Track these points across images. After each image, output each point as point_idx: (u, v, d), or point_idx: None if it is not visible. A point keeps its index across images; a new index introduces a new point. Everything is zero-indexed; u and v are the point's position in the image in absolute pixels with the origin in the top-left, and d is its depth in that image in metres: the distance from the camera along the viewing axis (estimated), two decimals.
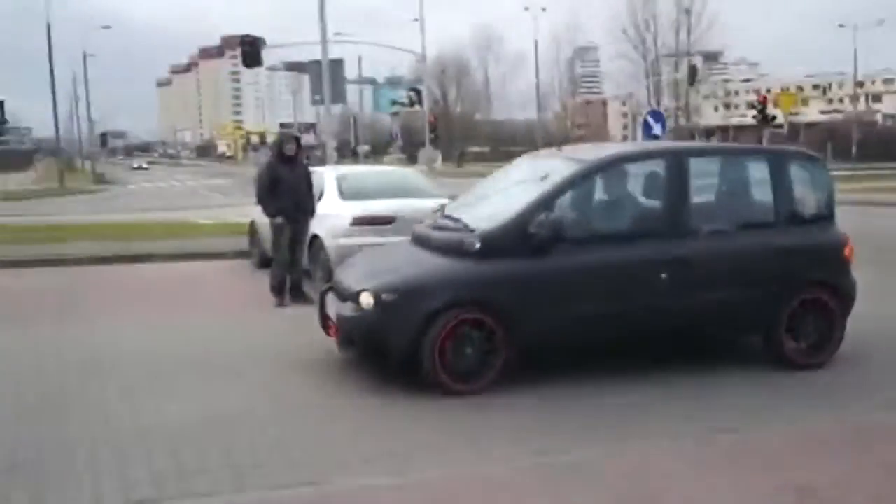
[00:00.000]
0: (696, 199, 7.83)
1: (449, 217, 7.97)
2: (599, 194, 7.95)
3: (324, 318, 7.86)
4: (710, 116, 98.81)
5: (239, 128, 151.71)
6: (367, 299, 7.08)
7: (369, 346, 7.25)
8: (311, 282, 11.70)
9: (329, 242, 11.50)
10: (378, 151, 74.50)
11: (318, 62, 20.96)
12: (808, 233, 7.95)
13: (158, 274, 14.53)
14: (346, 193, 12.21)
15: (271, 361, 8.08)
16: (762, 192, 8.09)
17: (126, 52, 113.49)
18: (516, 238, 7.10)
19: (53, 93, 57.20)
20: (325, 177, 12.64)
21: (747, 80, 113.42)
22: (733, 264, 7.65)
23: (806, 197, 8.16)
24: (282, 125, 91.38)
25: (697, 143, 10.86)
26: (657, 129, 23.18)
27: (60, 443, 5.95)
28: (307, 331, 8.49)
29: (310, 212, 11.29)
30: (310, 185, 11.31)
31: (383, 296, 7.04)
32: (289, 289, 11.18)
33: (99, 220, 24.07)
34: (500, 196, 8.16)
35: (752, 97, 64.31)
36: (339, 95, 21.90)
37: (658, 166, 7.84)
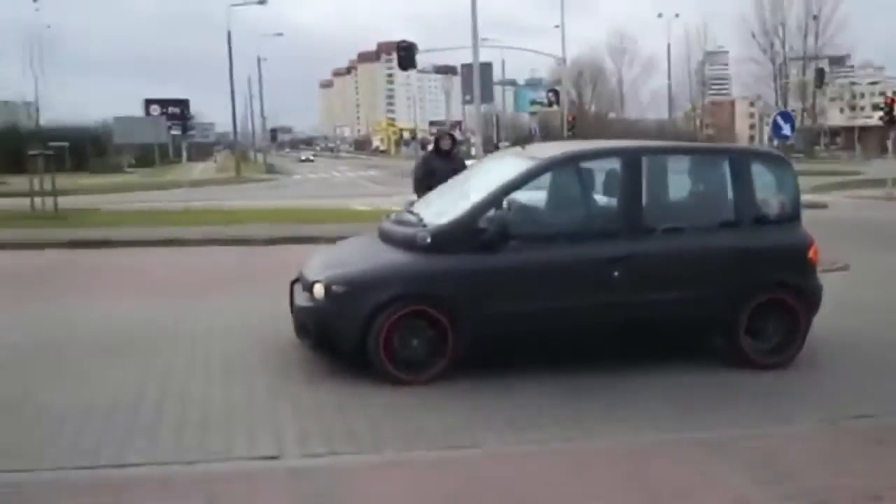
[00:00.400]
0: (651, 197, 7.36)
1: (411, 212, 7.74)
2: (552, 192, 7.61)
3: (292, 307, 7.52)
4: (836, 118, 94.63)
5: (392, 124, 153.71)
6: (318, 290, 6.90)
7: (321, 335, 6.97)
8: None
9: None
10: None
11: (469, 65, 21.14)
12: (770, 233, 7.46)
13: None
14: None
15: None
16: (722, 192, 7.64)
17: (294, 56, 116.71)
18: (466, 234, 6.85)
19: (232, 93, 59.39)
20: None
21: (874, 83, 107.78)
22: (688, 263, 7.21)
23: (769, 197, 7.66)
24: (431, 122, 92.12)
25: (655, 143, 10.16)
26: (786, 130, 22.31)
27: None
28: None
29: None
30: None
31: (333, 287, 6.85)
32: None
33: (270, 206, 24.81)
34: (459, 193, 7.77)
35: (878, 100, 61.26)
36: (487, 96, 21.99)
37: (612, 165, 7.45)
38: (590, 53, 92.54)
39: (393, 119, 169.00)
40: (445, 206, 7.45)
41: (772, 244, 7.40)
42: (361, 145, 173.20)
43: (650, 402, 6.41)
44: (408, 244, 7.06)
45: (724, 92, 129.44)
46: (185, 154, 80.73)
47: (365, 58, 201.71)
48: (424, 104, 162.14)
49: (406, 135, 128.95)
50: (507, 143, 53.73)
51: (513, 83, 78.61)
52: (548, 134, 58.79)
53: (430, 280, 6.83)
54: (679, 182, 7.77)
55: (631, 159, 7.33)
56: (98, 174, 51.91)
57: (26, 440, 5.41)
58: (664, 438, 5.67)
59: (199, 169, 66.01)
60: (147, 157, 70.85)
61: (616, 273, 6.92)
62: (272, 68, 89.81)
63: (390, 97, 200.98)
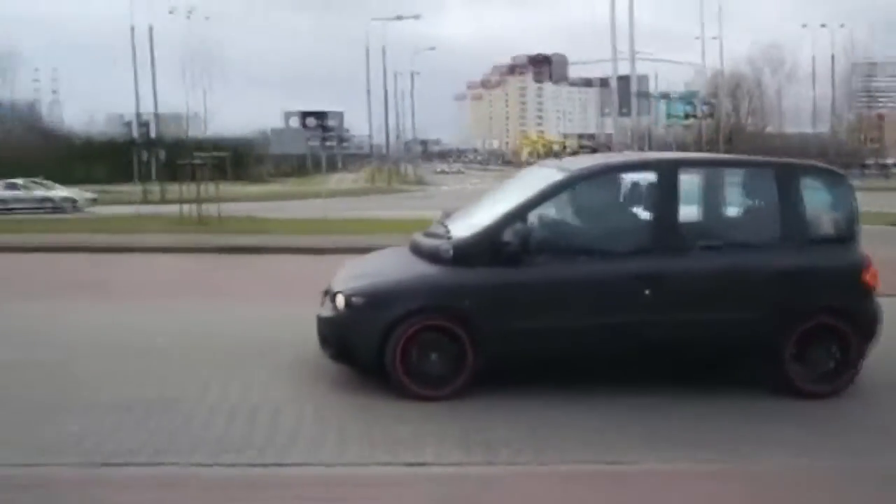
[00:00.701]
0: (689, 212, 7.03)
1: (442, 224, 7.42)
2: (582, 205, 7.27)
3: None
4: None
5: (540, 136, 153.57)
6: (340, 301, 6.79)
7: (340, 346, 6.84)
8: None
9: None
10: None
11: (624, 78, 20.74)
12: (820, 254, 6.91)
13: None
14: None
15: None
16: (766, 208, 7.15)
17: (444, 69, 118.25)
18: (489, 247, 6.63)
19: (385, 106, 60.87)
20: None
21: None
22: (727, 283, 6.75)
23: (820, 215, 7.14)
24: (580, 135, 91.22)
25: (696, 154, 9.45)
26: None
27: None
28: None
29: None
30: None
31: (353, 298, 6.74)
32: None
33: (415, 216, 24.98)
34: (490, 205, 7.45)
35: None
36: (642, 108, 21.49)
37: (647, 177, 7.09)
38: (744, 65, 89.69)
39: (541, 131, 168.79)
40: (475, 218, 7.22)
41: (821, 265, 6.86)
42: (509, 158, 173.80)
43: (694, 426, 6.12)
44: (432, 257, 6.91)
45: (892, 104, 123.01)
46: (338, 164, 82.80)
47: (515, 70, 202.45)
48: (574, 116, 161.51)
49: (555, 147, 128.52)
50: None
51: (664, 95, 77.00)
52: (699, 148, 57.39)
53: (450, 294, 6.67)
54: (719, 197, 7.41)
55: (666, 172, 6.98)
56: (253, 183, 53.80)
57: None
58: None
59: (350, 179, 67.71)
60: (300, 167, 73.33)
61: (647, 291, 6.58)
62: (423, 81, 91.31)
63: (539, 109, 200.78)
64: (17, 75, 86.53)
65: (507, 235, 6.60)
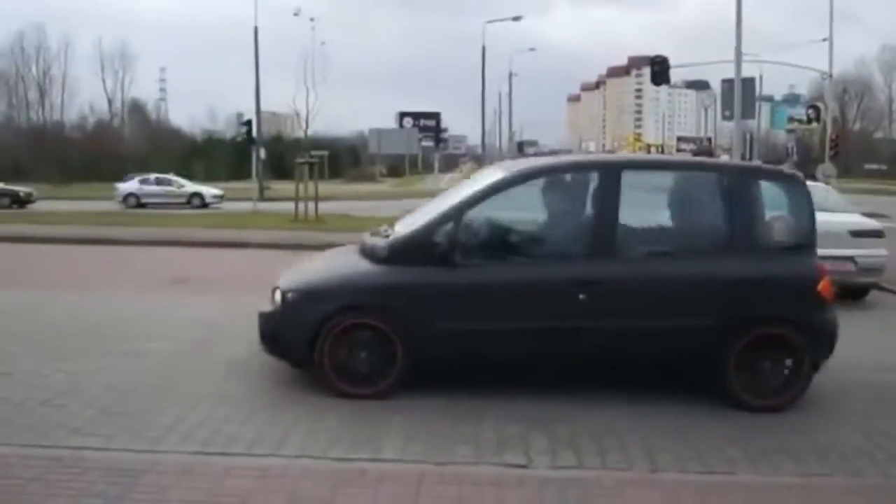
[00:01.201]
0: (630, 216, 6.73)
1: (390, 225, 7.36)
2: (519, 206, 7.15)
3: None
4: None
5: (638, 139, 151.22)
6: (277, 296, 6.81)
7: (275, 341, 6.83)
8: None
9: None
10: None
11: (729, 80, 20.39)
12: (770, 262, 6.61)
13: None
14: None
15: None
16: (715, 213, 6.90)
17: (543, 70, 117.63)
18: (421, 247, 6.57)
19: (483, 108, 60.83)
20: None
21: None
22: (669, 291, 6.53)
23: (772, 222, 6.84)
24: (679, 138, 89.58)
25: (642, 156, 9.06)
26: None
27: None
28: None
29: None
30: None
31: (288, 294, 6.75)
32: None
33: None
34: (434, 206, 7.29)
35: None
36: (748, 112, 21.05)
37: (588, 180, 6.90)
38: (855, 68, 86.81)
39: (639, 134, 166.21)
40: (418, 218, 7.14)
41: (769, 274, 6.55)
42: None
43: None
44: (370, 255, 6.90)
45: None
46: (436, 165, 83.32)
47: (614, 72, 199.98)
48: (673, 119, 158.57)
49: (653, 150, 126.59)
50: (759, 162, 51.48)
51: (769, 99, 75.00)
52: (804, 153, 55.78)
53: (380, 292, 6.63)
54: (665, 201, 7.08)
55: (608, 174, 6.75)
56: (353, 182, 54.63)
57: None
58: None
59: (446, 179, 67.93)
60: (398, 166, 74.13)
61: (582, 296, 6.37)
62: (522, 82, 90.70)
63: (638, 112, 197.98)
64: (133, 75, 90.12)
65: (439, 236, 6.55)
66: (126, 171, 42.85)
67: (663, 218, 7.15)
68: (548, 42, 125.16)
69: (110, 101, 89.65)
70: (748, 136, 58.23)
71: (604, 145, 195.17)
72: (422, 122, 74.36)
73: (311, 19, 52.52)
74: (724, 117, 21.77)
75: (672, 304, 6.52)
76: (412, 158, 76.73)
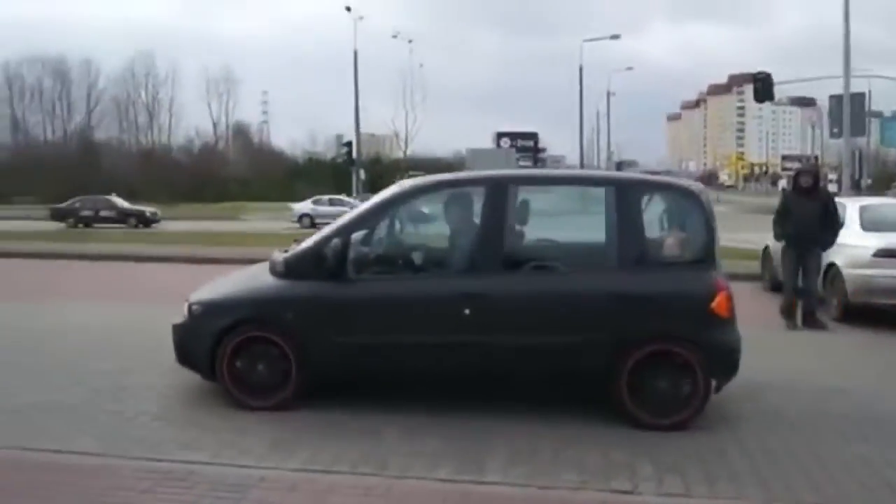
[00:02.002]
0: (515, 231, 6.81)
1: (297, 240, 7.35)
2: (409, 220, 7.28)
3: None
4: None
5: (741, 158, 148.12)
6: (185, 309, 6.89)
7: (183, 352, 6.92)
8: (826, 309, 11.07)
9: (847, 272, 10.77)
10: (880, 185, 68.47)
11: (837, 97, 19.75)
12: (660, 278, 6.42)
13: None
14: (867, 225, 11.24)
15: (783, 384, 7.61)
16: (605, 228, 6.67)
17: (642, 89, 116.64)
18: (314, 262, 6.59)
19: (581, 127, 60.65)
20: (847, 208, 11.74)
21: None
22: (553, 306, 6.41)
23: (665, 237, 6.73)
24: (784, 157, 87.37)
25: (530, 171, 9.17)
26: None
27: None
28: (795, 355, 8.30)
29: (820, 242, 10.62)
30: (829, 217, 10.61)
31: (193, 307, 6.87)
32: (802, 314, 10.73)
33: None
34: (339, 220, 7.26)
35: None
36: (857, 128, 20.35)
37: (475, 194, 6.85)
38: None
39: (742, 153, 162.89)
40: (322, 232, 7.10)
41: (660, 290, 6.38)
42: (707, 180, 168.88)
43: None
44: (272, 270, 6.92)
45: None
46: None
47: (715, 90, 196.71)
48: (777, 137, 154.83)
49: (756, 170, 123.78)
50: (869, 181, 49.65)
51: (879, 115, 72.38)
52: None
53: (274, 306, 6.71)
54: (553, 215, 7.11)
55: (495, 189, 6.73)
56: None
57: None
58: None
59: None
60: None
61: (467, 311, 6.32)
62: (619, 101, 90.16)
63: (740, 130, 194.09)
64: (237, 99, 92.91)
65: (329, 250, 6.53)
66: (229, 193, 44.16)
67: (551, 232, 7.16)
68: (643, 60, 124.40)
69: (215, 125, 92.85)
70: (857, 154, 56.34)
71: (705, 164, 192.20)
72: (519, 142, 74.37)
73: (410, 41, 53.08)
74: (832, 135, 21.03)
75: (557, 320, 6.43)
76: None
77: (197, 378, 7.00)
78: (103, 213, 41.89)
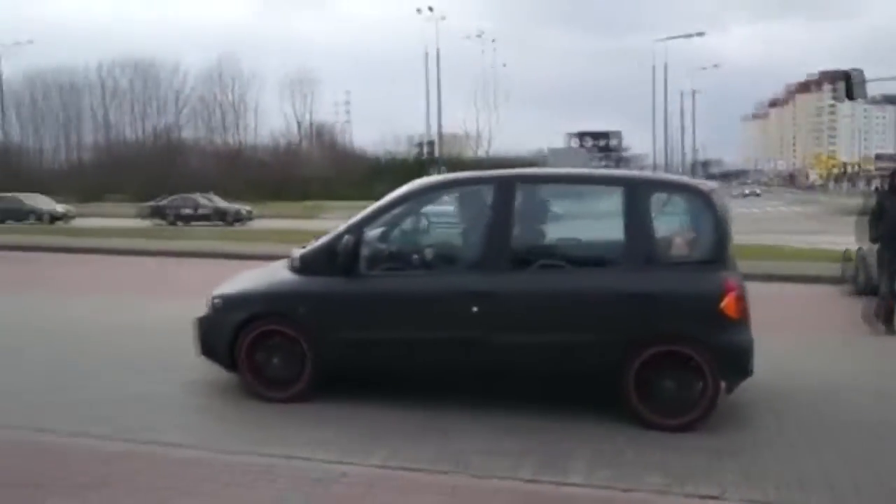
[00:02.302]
0: (524, 229, 6.85)
1: (317, 237, 7.35)
2: (418, 218, 7.37)
3: None
4: None
5: (832, 158, 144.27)
6: (208, 302, 7.05)
7: (205, 345, 7.08)
8: None
9: None
10: None
11: None
12: (670, 278, 6.37)
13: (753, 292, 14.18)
14: None
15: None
16: (614, 228, 6.60)
17: (727, 87, 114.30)
18: (327, 258, 6.71)
19: (665, 125, 59.97)
20: None
21: None
22: (562, 305, 6.42)
23: (675, 237, 6.67)
24: (877, 156, 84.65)
25: (539, 170, 9.83)
26: None
27: None
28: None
29: None
30: None
31: (215, 301, 7.05)
32: (885, 318, 10.48)
33: None
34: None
35: None
36: None
37: (484, 194, 6.90)
38: None
39: (833, 152, 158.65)
40: (338, 229, 7.11)
41: (668, 289, 6.31)
42: (794, 180, 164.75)
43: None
44: (290, 266, 7.08)
45: None
46: None
47: (803, 88, 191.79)
48: (870, 136, 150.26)
49: (848, 169, 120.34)
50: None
51: None
52: None
53: (288, 301, 6.86)
54: (562, 214, 7.17)
55: (503, 188, 6.75)
56: None
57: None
58: None
59: None
60: None
61: (475, 308, 6.34)
62: (704, 100, 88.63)
63: (832, 129, 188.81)
64: (319, 100, 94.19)
65: (341, 247, 6.61)
66: (311, 192, 44.90)
67: (558, 231, 7.19)
68: (724, 58, 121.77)
69: (298, 125, 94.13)
70: None
71: (794, 164, 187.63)
72: (600, 140, 73.88)
73: (493, 41, 53.07)
74: None
75: (563, 319, 6.43)
76: None
77: None
78: (201, 211, 43.39)
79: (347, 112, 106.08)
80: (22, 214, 39.61)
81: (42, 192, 45.74)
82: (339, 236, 6.80)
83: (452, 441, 5.91)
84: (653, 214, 6.56)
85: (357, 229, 6.81)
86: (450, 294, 6.59)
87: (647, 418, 6.25)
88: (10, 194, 42.10)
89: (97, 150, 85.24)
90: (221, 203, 44.90)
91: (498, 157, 64.46)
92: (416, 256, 7.04)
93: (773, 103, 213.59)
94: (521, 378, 6.74)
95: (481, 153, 61.93)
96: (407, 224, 7.33)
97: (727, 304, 6.24)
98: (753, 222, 42.57)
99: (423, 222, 7.55)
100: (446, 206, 7.51)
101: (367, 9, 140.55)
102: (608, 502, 4.86)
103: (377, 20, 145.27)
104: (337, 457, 5.47)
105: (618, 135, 66.03)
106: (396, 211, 7.11)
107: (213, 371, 7.18)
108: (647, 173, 8.84)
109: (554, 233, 7.21)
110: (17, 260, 20.38)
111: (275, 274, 7.33)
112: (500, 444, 5.86)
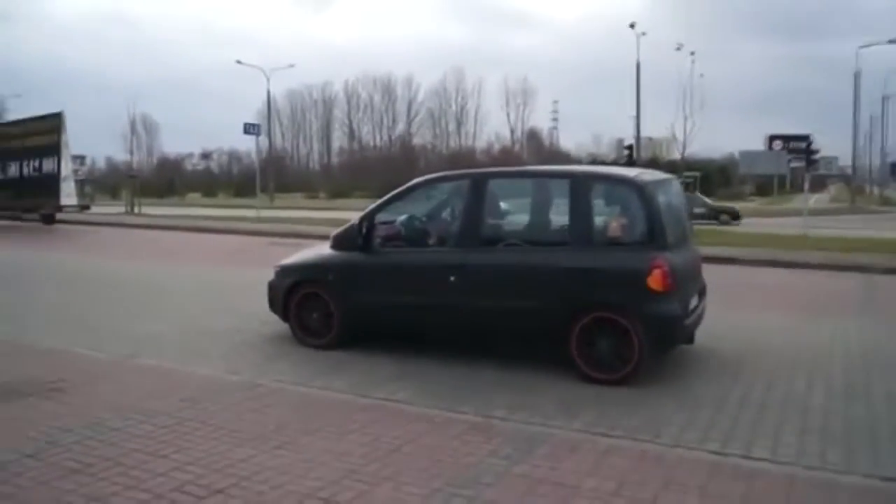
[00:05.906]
0: (493, 215, 7.58)
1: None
2: (417, 205, 8.04)
3: None
4: None
5: None
6: (274, 269, 8.29)
7: (272, 303, 8.31)
8: None
9: None
10: None
11: None
12: (605, 256, 6.78)
13: None
14: None
15: None
16: (559, 213, 7.25)
17: None
18: (351, 237, 7.71)
19: (855, 130, 55.67)
20: None
21: None
22: (517, 276, 7.00)
23: (612, 221, 6.92)
24: None
25: (505, 168, 11.60)
26: None
27: None
28: None
29: None
30: None
31: (276, 269, 8.34)
32: None
33: (889, 237, 22.56)
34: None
35: None
36: None
37: (464, 186, 7.47)
38: None
39: None
40: (362, 213, 7.90)
41: (601, 265, 6.74)
42: None
43: None
44: (329, 243, 8.03)
45: None
46: (805, 185, 77.20)
47: None
48: None
49: None
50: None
51: None
52: None
53: (321, 270, 7.93)
54: (522, 203, 7.65)
55: (478, 182, 7.38)
56: (723, 200, 52.56)
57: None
58: None
59: (814, 199, 62.95)
60: (766, 186, 69.79)
61: (452, 278, 7.05)
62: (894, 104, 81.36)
63: None
64: (532, 107, 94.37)
65: (360, 227, 7.61)
66: None
67: (519, 217, 7.79)
68: None
69: (512, 131, 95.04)
70: None
71: None
72: (791, 144, 69.46)
73: (692, 53, 50.85)
74: None
75: (521, 288, 6.98)
76: (780, 179, 71.81)
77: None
78: None
79: (554, 119, 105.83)
80: None
81: (298, 192, 48.19)
82: (362, 219, 7.66)
83: (659, 413, 5.87)
84: (593, 203, 6.97)
85: (373, 214, 7.72)
86: (436, 266, 7.31)
87: (584, 372, 6.68)
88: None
89: (345, 155, 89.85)
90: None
91: (693, 159, 62.14)
92: (416, 236, 7.86)
93: None
94: (490, 337, 7.38)
95: (676, 156, 59.72)
96: (411, 210, 8.08)
97: (653, 279, 6.50)
98: None
99: (423, 209, 8.17)
100: (439, 197, 8.19)
101: (575, 23, 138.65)
102: (787, 478, 4.64)
103: (584, 33, 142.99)
104: (544, 420, 5.61)
105: (807, 138, 61.71)
106: (403, 200, 7.86)
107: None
108: (592, 167, 9.22)
109: (515, 218, 7.89)
110: None
111: (319, 249, 8.35)
112: (696, 416, 5.78)
